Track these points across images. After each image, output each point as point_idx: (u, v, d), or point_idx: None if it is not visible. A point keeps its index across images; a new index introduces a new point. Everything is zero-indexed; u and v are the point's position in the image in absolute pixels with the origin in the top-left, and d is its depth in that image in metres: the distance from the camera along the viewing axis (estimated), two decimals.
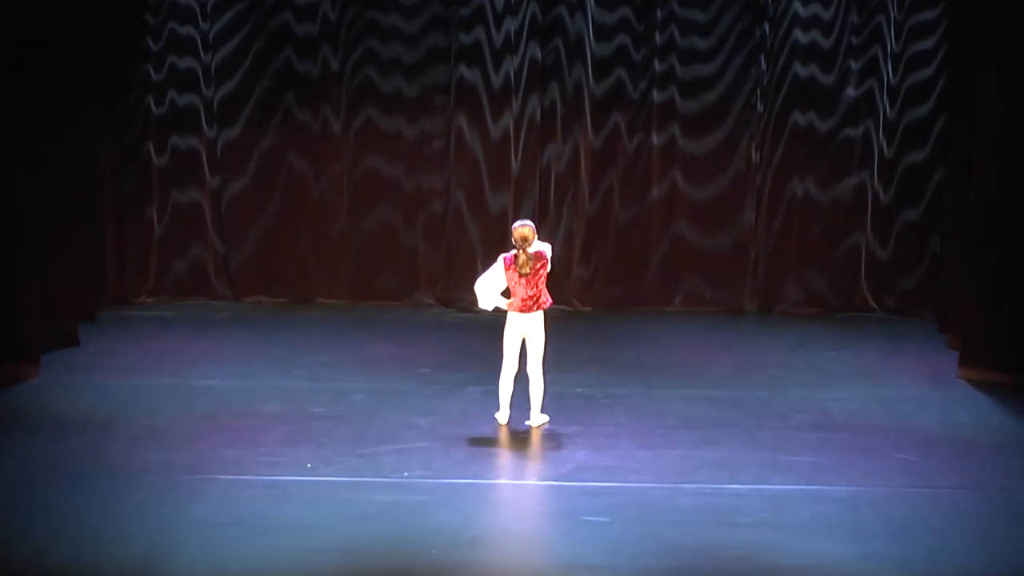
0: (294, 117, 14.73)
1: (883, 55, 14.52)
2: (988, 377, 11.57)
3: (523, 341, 10.02)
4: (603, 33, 14.67)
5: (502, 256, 9.95)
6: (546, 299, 9.96)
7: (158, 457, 9.01)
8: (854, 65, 14.56)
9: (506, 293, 10.10)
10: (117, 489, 8.34)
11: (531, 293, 9.84)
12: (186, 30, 14.57)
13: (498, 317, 14.32)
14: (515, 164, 14.76)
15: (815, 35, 14.55)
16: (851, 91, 14.58)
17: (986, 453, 9.57)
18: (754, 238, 14.89)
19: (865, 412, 10.64)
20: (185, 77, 14.65)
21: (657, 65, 14.67)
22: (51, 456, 9.01)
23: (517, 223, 9.97)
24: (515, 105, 14.66)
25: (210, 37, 14.59)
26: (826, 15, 14.52)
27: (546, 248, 9.96)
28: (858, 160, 14.71)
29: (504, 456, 9.25)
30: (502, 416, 10.10)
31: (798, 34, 14.54)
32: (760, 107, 14.68)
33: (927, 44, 14.43)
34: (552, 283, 14.69)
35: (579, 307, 14.93)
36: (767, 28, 14.57)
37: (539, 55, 14.59)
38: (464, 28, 14.57)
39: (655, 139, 14.78)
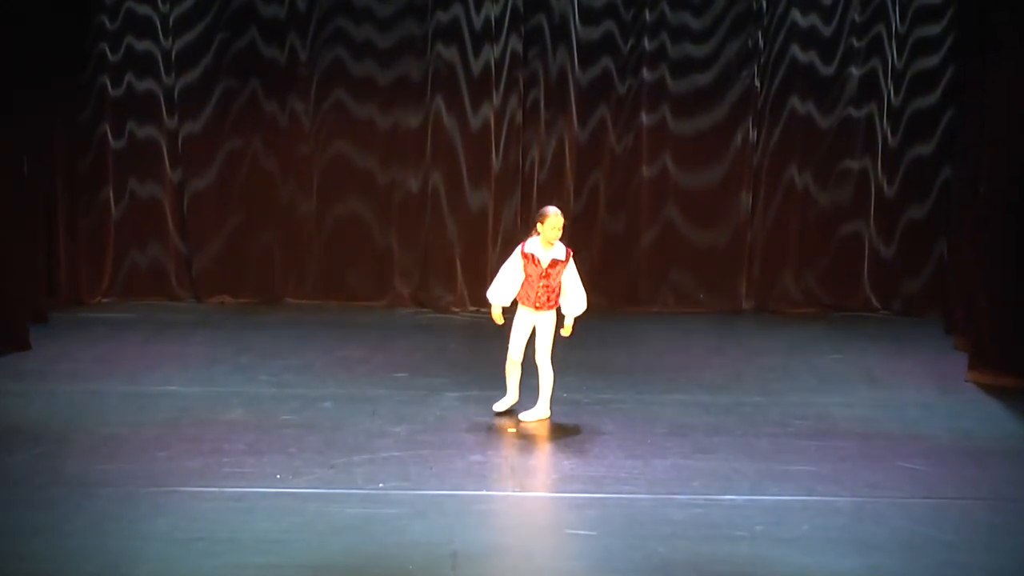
0: (261, 109, 14.74)
1: (887, 34, 14.62)
2: (999, 381, 11.62)
3: (533, 330, 10.28)
4: (589, 9, 14.74)
5: (518, 249, 10.25)
6: (569, 313, 10.29)
7: (115, 468, 8.99)
8: (856, 43, 14.65)
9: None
10: (72, 503, 8.32)
11: (552, 288, 10.15)
12: (144, 10, 14.60)
13: (477, 319, 14.45)
14: (495, 156, 14.79)
15: (814, 10, 14.65)
16: (854, 70, 14.68)
17: (997, 462, 9.61)
18: (750, 230, 14.96)
19: (868, 418, 10.69)
20: (144, 62, 14.65)
21: (647, 44, 14.73)
22: (0, 469, 8.99)
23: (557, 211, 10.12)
24: (496, 97, 14.69)
25: (170, 21, 14.59)
26: None
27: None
28: (861, 145, 14.81)
29: (485, 466, 9.27)
30: (502, 403, 10.41)
31: (796, 8, 14.64)
32: (757, 84, 14.76)
33: (934, 29, 14.54)
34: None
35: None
36: (764, 3, 14.65)
37: (520, 45, 14.64)
38: (441, 25, 14.60)
39: (644, 120, 14.84)
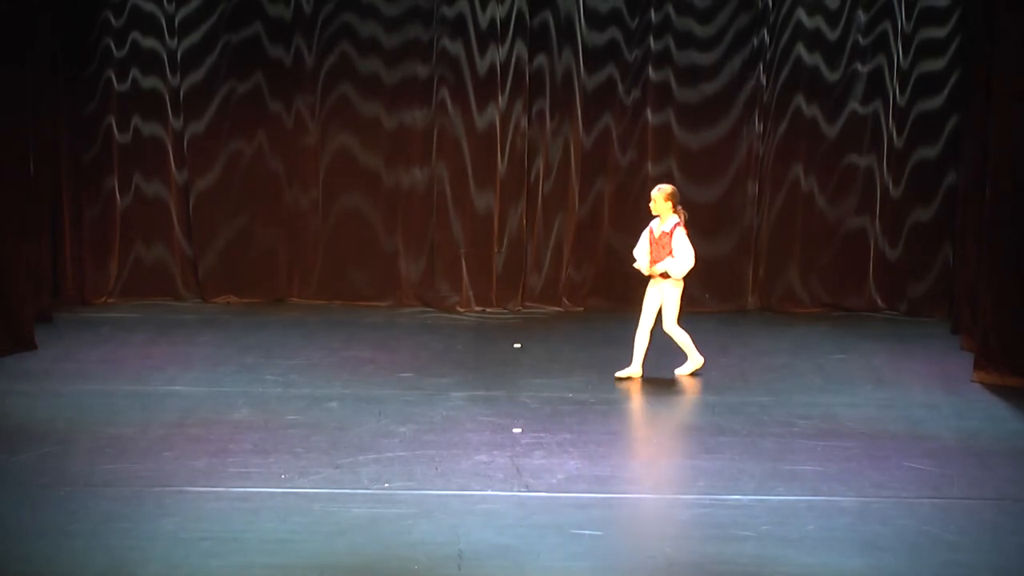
0: (266, 109, 14.77)
1: (893, 33, 14.64)
2: (1005, 381, 11.62)
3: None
4: (595, 14, 14.76)
5: (650, 225, 11.69)
6: (661, 263, 11.44)
7: (121, 468, 9.00)
8: (862, 41, 14.68)
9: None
10: (77, 503, 8.34)
11: (661, 257, 11.45)
12: (149, 7, 14.64)
13: (483, 319, 14.49)
14: (501, 158, 14.82)
15: (820, 7, 14.68)
16: (859, 67, 14.71)
17: (1002, 462, 9.61)
18: (755, 231, 14.98)
19: (874, 418, 10.68)
20: (149, 59, 14.70)
21: (653, 43, 14.76)
22: (5, 469, 9.00)
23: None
24: (501, 99, 14.71)
25: (176, 21, 14.63)
26: None
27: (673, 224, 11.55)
28: (867, 144, 14.82)
29: (491, 466, 9.27)
30: (626, 371, 11.56)
31: (802, 5, 14.67)
32: (763, 81, 14.79)
33: (940, 32, 14.55)
34: (543, 283, 14.76)
35: (570, 307, 14.99)
36: (770, 2, 14.68)
37: (525, 50, 14.66)
38: (447, 27, 14.62)
39: (650, 124, 14.86)
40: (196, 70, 14.71)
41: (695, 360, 11.79)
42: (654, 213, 11.59)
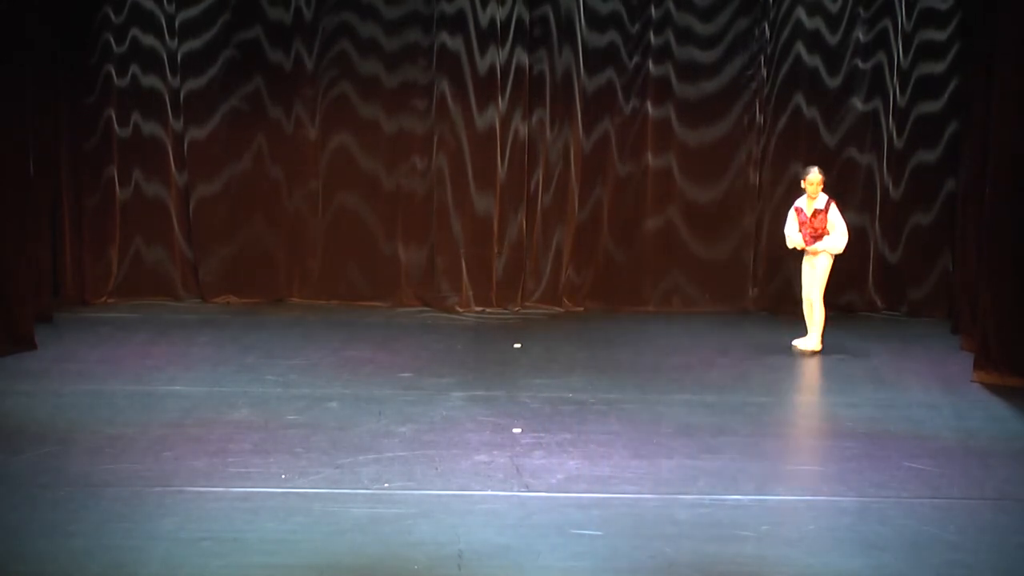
0: (266, 109, 14.79)
1: (893, 31, 14.66)
2: (1005, 381, 11.63)
3: None
4: (595, 15, 14.78)
5: (794, 205, 12.84)
6: (822, 242, 12.57)
7: (121, 468, 9.00)
8: (862, 38, 14.70)
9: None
10: (77, 503, 8.34)
11: (816, 233, 12.56)
12: (149, 6, 14.67)
13: (483, 319, 14.50)
14: (500, 158, 14.84)
15: (819, 4, 14.70)
16: (859, 64, 14.73)
17: (1002, 462, 9.61)
18: (755, 232, 14.99)
19: (874, 418, 10.69)
20: (149, 59, 14.73)
21: (653, 40, 14.78)
22: (5, 469, 9.00)
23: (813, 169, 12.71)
24: (502, 102, 14.73)
25: (176, 23, 14.65)
26: None
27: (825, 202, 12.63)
28: (868, 143, 14.84)
29: (491, 466, 9.28)
30: (802, 340, 12.82)
31: (801, 2, 14.70)
32: (764, 74, 14.80)
33: (940, 35, 14.56)
34: (543, 283, 14.75)
35: (570, 307, 15.00)
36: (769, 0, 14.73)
37: (525, 55, 14.67)
38: (447, 28, 14.64)
39: (650, 126, 14.88)
40: (196, 71, 14.73)
41: (814, 340, 12.73)
42: (810, 195, 12.56)
